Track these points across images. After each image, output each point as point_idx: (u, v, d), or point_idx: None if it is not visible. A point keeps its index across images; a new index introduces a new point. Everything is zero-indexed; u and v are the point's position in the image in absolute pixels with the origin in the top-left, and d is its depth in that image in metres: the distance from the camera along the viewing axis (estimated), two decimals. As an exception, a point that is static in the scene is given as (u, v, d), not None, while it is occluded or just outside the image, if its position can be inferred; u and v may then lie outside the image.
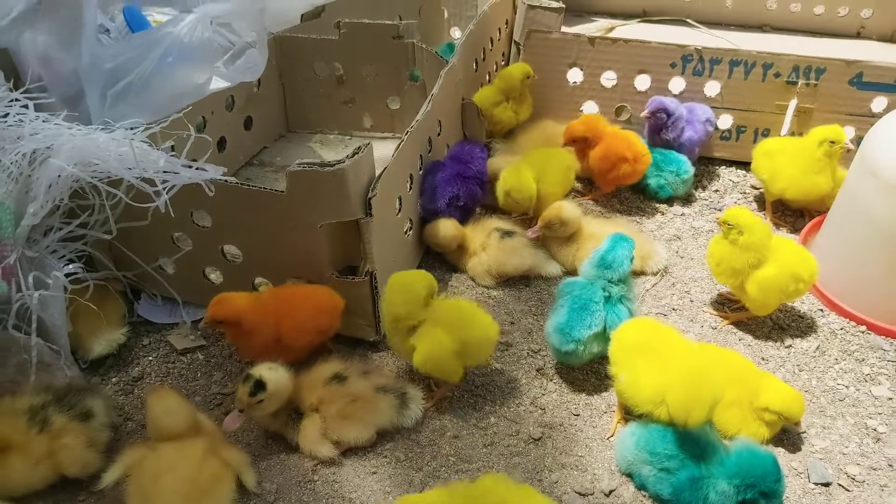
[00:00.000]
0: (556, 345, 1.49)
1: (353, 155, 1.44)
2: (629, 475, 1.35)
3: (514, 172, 1.90)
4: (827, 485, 1.35)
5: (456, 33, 2.98)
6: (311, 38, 2.26)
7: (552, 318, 1.52)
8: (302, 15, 2.33)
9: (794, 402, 1.39)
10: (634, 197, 2.13)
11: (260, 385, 1.29)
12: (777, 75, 2.08)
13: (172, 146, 1.73)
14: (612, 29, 3.05)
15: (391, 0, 2.64)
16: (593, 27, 3.06)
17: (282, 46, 2.27)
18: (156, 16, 2.28)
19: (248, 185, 1.46)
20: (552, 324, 1.50)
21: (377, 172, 1.52)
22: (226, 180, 1.45)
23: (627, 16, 3.10)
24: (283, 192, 1.44)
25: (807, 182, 1.93)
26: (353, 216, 1.46)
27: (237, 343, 1.52)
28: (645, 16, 3.11)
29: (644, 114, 2.10)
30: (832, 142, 1.86)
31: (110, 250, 1.60)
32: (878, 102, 2.07)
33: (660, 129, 2.09)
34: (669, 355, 1.34)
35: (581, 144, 2.03)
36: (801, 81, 2.08)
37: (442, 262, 1.87)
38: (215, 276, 1.64)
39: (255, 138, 2.27)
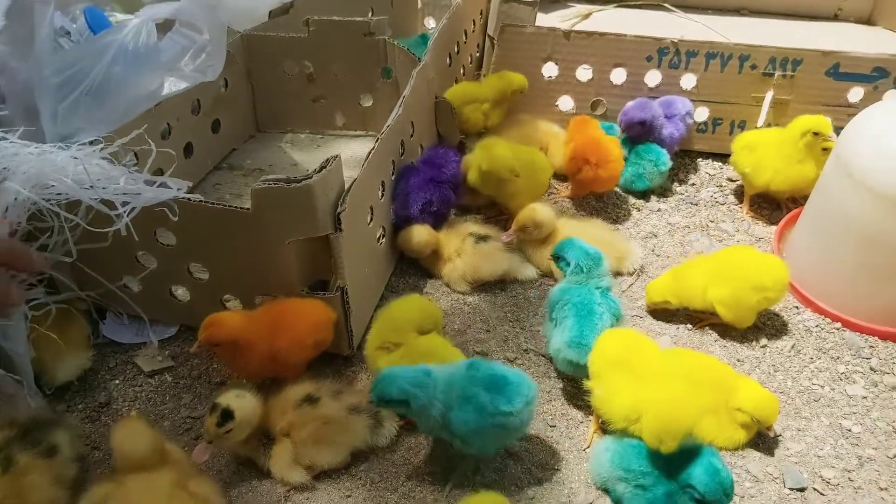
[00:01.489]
0: (573, 359, 1.43)
1: (321, 169, 1.40)
2: (605, 490, 1.35)
3: (486, 146, 1.87)
4: (802, 490, 1.35)
5: (430, 23, 2.93)
6: (280, 36, 2.20)
7: (558, 333, 1.48)
8: (270, 11, 2.27)
9: (766, 406, 1.38)
10: (610, 193, 2.11)
11: (227, 414, 1.27)
12: (753, 67, 2.06)
13: (136, 158, 1.69)
14: (588, 15, 3.01)
15: (362, -9, 2.59)
16: (570, 13, 3.03)
17: (249, 45, 2.21)
18: (118, 16, 2.22)
19: (212, 203, 1.42)
20: (562, 340, 1.45)
21: (348, 182, 1.49)
22: (188, 198, 1.41)
23: (604, 0, 3.06)
24: (248, 209, 1.40)
25: (792, 172, 1.91)
26: (321, 232, 1.42)
27: (231, 363, 1.49)
28: (621, 1, 3.07)
29: (619, 134, 2.07)
30: (815, 133, 1.84)
31: (72, 270, 1.56)
32: (855, 92, 2.05)
33: (638, 137, 2.07)
34: (646, 373, 1.33)
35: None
36: (777, 73, 2.05)
37: (416, 267, 1.85)
38: (182, 293, 1.61)
39: (224, 141, 2.22)
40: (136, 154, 1.79)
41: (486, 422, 1.24)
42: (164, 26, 1.86)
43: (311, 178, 1.36)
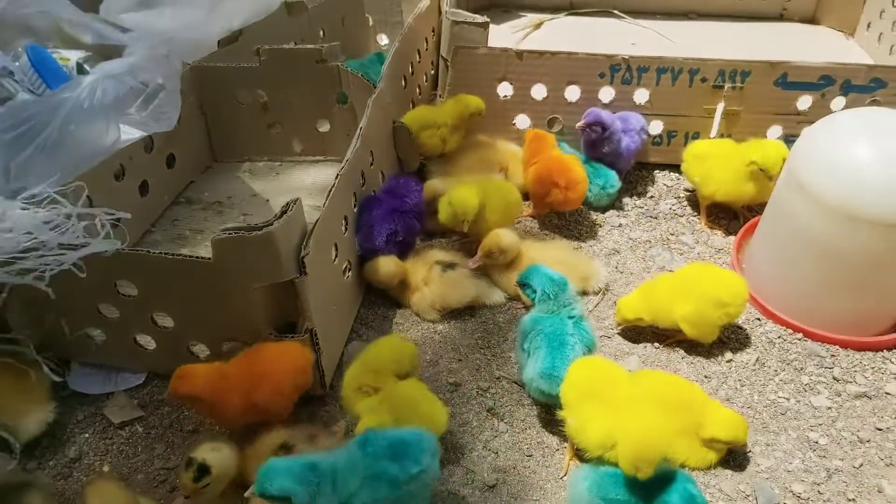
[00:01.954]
0: (545, 390, 1.46)
1: (282, 215, 1.38)
2: (584, 518, 1.36)
3: (460, 188, 1.87)
4: (774, 506, 1.39)
5: (383, 40, 2.92)
6: (231, 66, 2.16)
7: (531, 364, 1.49)
8: (219, 41, 2.23)
9: (738, 429, 1.41)
10: (572, 210, 2.13)
11: (204, 469, 1.25)
12: (704, 80, 2.10)
13: (90, 201, 1.65)
14: (540, 24, 3.03)
15: (312, 13, 2.56)
16: (522, 23, 3.04)
17: (200, 77, 2.16)
18: (63, 52, 2.16)
19: (172, 255, 1.40)
20: (535, 370, 1.47)
21: (311, 217, 1.48)
22: (149, 252, 1.39)
23: (555, 9, 3.09)
24: (209, 259, 1.38)
25: (734, 188, 1.96)
26: (285, 277, 1.41)
27: (209, 414, 1.47)
28: (572, 9, 3.10)
29: (579, 125, 2.08)
30: (761, 169, 1.88)
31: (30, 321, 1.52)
32: (804, 101, 2.10)
33: (595, 143, 2.08)
34: (618, 401, 1.35)
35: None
36: (727, 85, 2.09)
37: (385, 298, 1.84)
38: (147, 341, 1.58)
39: (180, 174, 2.18)
40: (89, 198, 1.75)
41: (402, 490, 1.21)
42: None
43: (271, 224, 1.35)
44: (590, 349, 1.53)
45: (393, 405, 1.37)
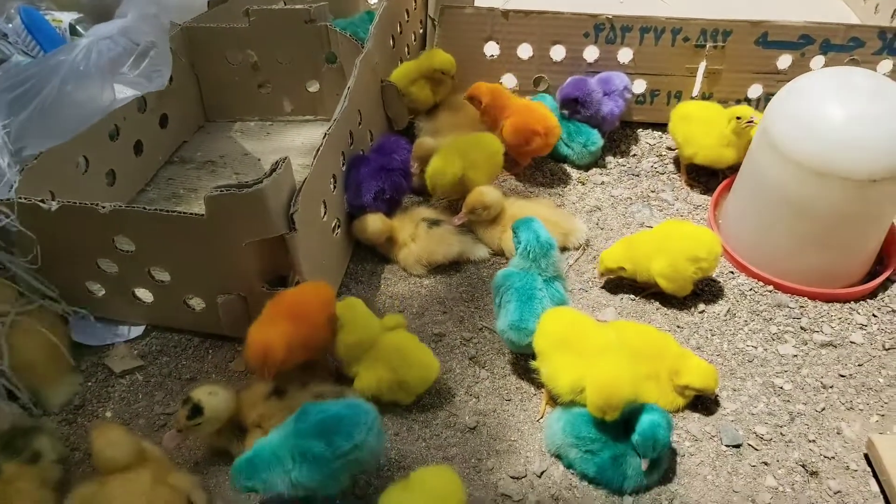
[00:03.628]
0: (515, 341, 1.54)
1: (271, 172, 1.44)
2: (558, 456, 1.45)
3: (439, 158, 1.93)
4: (738, 446, 1.48)
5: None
6: (221, 27, 2.20)
7: (502, 316, 1.56)
8: (209, 2, 2.26)
9: (710, 378, 1.49)
10: (556, 168, 2.19)
11: (197, 410, 1.34)
12: (686, 39, 2.13)
13: (87, 162, 1.71)
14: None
15: (302, -28, 2.58)
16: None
17: (191, 37, 2.20)
18: (55, 14, 2.19)
19: (167, 212, 1.46)
20: (505, 322, 1.54)
21: (301, 176, 1.54)
22: (144, 208, 1.45)
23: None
24: (202, 216, 1.44)
25: (713, 152, 2.01)
26: (276, 233, 1.47)
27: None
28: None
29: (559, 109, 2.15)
30: (738, 117, 1.93)
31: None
32: (784, 60, 2.15)
33: (572, 112, 2.14)
34: (587, 349, 1.43)
35: (476, 105, 2.09)
36: (708, 44, 2.13)
37: (373, 254, 1.91)
38: (145, 294, 1.65)
39: (173, 134, 2.23)
40: (86, 158, 1.81)
41: (332, 467, 1.25)
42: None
43: (261, 182, 1.41)
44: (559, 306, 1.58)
45: (385, 356, 1.46)
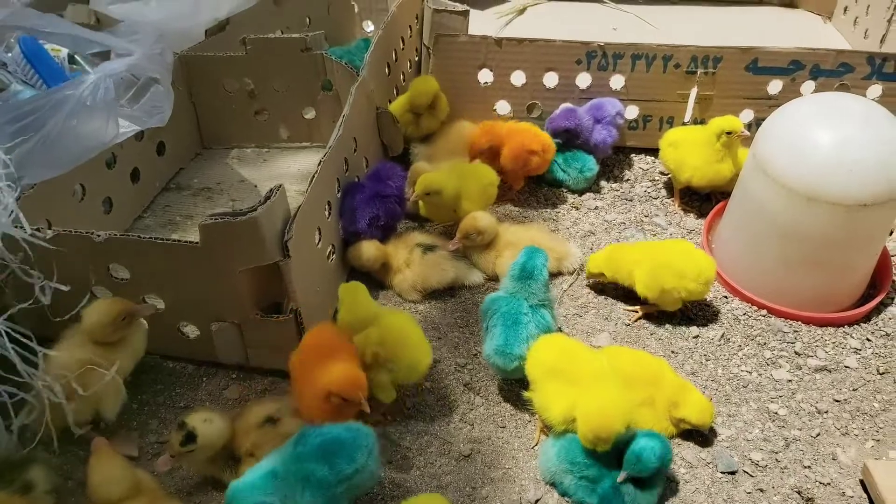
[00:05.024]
0: (500, 366, 1.54)
1: (266, 200, 1.45)
2: (552, 484, 1.45)
3: (431, 174, 1.95)
4: (733, 473, 1.47)
5: (369, 26, 2.97)
6: (218, 55, 2.22)
7: (488, 341, 1.57)
8: (206, 30, 2.29)
9: (708, 416, 1.49)
10: (551, 193, 2.20)
11: (191, 437, 1.34)
12: (677, 66, 2.16)
13: (83, 190, 1.72)
14: (524, 10, 3.09)
15: (298, 1, 2.62)
16: (505, 8, 3.10)
17: (188, 66, 2.23)
18: (55, 44, 2.21)
19: (162, 240, 1.47)
20: (491, 347, 1.55)
21: (295, 204, 1.54)
22: (139, 237, 1.46)
23: (538, -7, 3.14)
24: (197, 244, 1.45)
25: (710, 170, 2.03)
26: (270, 260, 1.48)
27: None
28: (555, -7, 3.16)
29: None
30: (728, 132, 1.95)
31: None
32: (774, 85, 2.17)
33: (565, 142, 2.18)
34: (579, 378, 1.43)
35: (488, 154, 2.10)
36: (699, 71, 2.16)
37: (368, 280, 1.90)
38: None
39: (170, 161, 2.25)
40: (82, 186, 1.83)
41: (336, 490, 1.25)
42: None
43: (255, 210, 1.42)
44: (546, 333, 1.58)
45: (384, 336, 1.48)
